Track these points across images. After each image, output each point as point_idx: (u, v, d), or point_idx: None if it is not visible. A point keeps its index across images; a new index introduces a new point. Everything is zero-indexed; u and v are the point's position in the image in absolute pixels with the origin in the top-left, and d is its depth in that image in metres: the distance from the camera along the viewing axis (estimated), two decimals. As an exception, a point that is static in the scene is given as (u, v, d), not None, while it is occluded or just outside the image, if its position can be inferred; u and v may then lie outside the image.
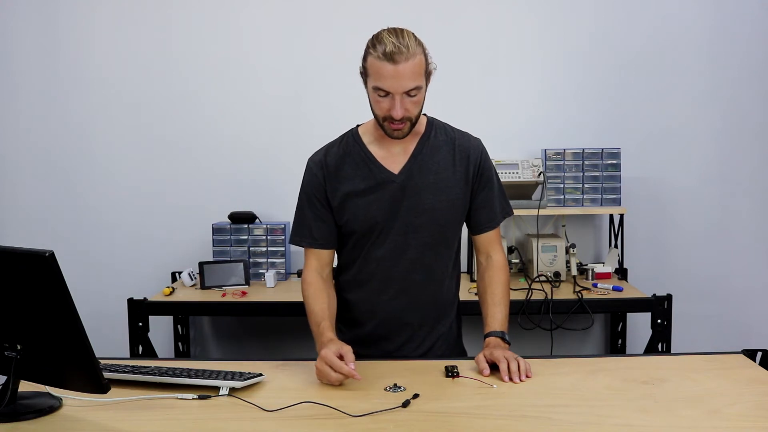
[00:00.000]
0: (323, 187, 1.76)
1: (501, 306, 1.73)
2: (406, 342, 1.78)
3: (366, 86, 1.67)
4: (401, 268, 1.75)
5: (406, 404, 1.36)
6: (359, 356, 1.60)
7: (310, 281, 1.78)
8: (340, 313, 1.82)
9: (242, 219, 3.07)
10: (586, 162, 3.00)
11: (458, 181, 1.74)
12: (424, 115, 1.79)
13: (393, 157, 1.74)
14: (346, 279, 1.83)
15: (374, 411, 1.32)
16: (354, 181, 1.74)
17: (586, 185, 3.00)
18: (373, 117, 1.72)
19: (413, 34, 1.61)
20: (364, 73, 1.65)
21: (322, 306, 1.73)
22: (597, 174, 3.00)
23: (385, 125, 1.65)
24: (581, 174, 3.00)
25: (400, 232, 1.73)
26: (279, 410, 1.34)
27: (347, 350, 1.53)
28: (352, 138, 1.79)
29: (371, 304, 1.79)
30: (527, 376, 1.51)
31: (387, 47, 1.55)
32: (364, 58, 1.64)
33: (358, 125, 1.82)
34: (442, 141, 1.76)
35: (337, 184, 1.75)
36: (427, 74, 1.64)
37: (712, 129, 3.16)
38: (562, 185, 2.99)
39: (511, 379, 1.49)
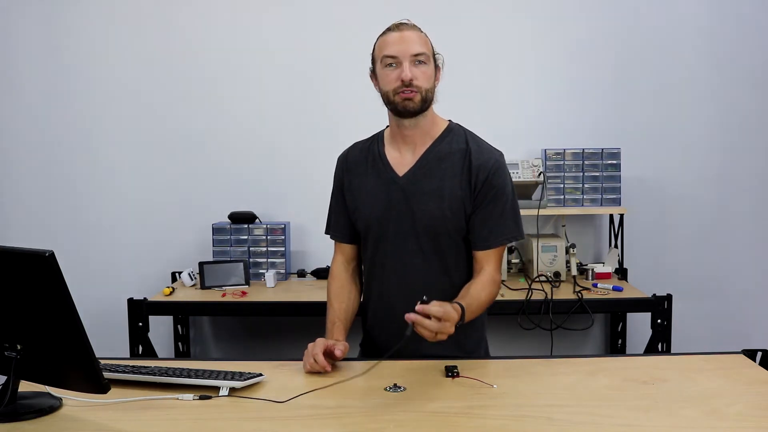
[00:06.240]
0: (342, 180, 1.81)
1: (469, 299, 1.59)
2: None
3: (376, 78, 1.69)
4: (398, 274, 1.73)
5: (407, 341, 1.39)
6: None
7: (335, 275, 1.84)
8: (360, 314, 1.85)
9: (242, 219, 3.07)
10: (586, 162, 3.00)
11: (463, 191, 1.68)
12: (449, 120, 1.78)
13: (402, 159, 1.73)
14: (364, 279, 1.85)
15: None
16: (365, 178, 1.76)
17: (586, 185, 3.00)
18: (388, 119, 1.74)
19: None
20: (373, 64, 1.70)
21: (340, 305, 1.77)
22: (597, 174, 3.00)
23: (396, 100, 1.64)
24: (581, 174, 3.00)
25: (398, 236, 1.72)
26: (285, 401, 1.34)
27: (340, 348, 1.59)
28: (377, 136, 1.81)
29: (375, 308, 1.80)
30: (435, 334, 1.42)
31: (391, 25, 1.67)
32: (372, 51, 1.70)
33: (387, 126, 1.81)
34: (456, 148, 1.71)
35: (352, 178, 1.78)
36: (435, 61, 1.68)
37: (712, 129, 3.16)
38: (562, 185, 3.00)
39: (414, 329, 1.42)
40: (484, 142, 1.75)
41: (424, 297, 1.43)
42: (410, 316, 1.40)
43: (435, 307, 1.42)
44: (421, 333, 1.42)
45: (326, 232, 1.88)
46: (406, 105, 1.64)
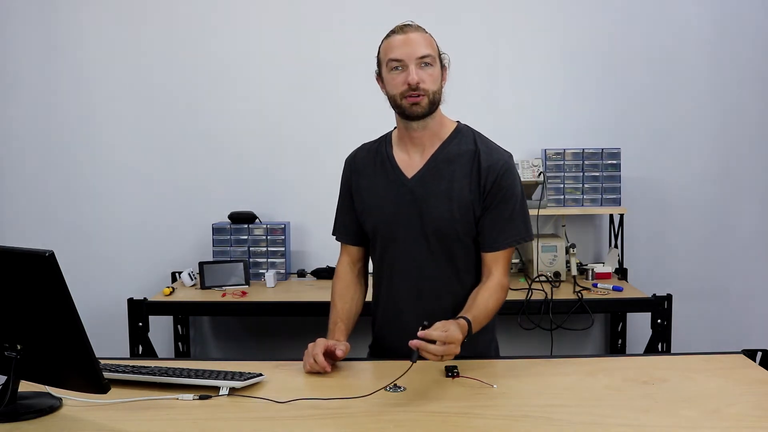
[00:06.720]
0: (350, 182, 1.80)
1: (476, 310, 1.59)
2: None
3: (383, 82, 1.68)
4: (407, 276, 1.72)
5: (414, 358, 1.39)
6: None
7: (340, 275, 1.83)
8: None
9: (242, 219, 3.07)
10: (586, 162, 3.00)
11: (472, 193, 1.67)
12: (457, 121, 1.77)
13: (411, 161, 1.72)
14: (372, 282, 1.84)
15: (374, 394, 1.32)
16: (373, 180, 1.75)
17: (586, 185, 3.00)
18: (396, 121, 1.73)
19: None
20: (379, 67, 1.68)
21: (343, 305, 1.76)
22: (597, 174, 3.00)
23: (404, 104, 1.63)
24: (581, 174, 3.00)
25: (406, 238, 1.71)
26: (285, 402, 1.34)
27: (341, 348, 1.58)
28: (385, 138, 1.80)
29: (384, 311, 1.79)
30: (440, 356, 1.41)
31: (395, 27, 1.65)
32: (377, 53, 1.68)
33: (395, 127, 1.80)
34: (465, 150, 1.69)
35: (360, 179, 1.78)
36: (441, 61, 1.67)
37: (713, 129, 3.16)
38: (562, 185, 3.00)
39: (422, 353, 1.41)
40: (492, 143, 1.74)
41: (425, 322, 1.43)
42: (414, 343, 1.39)
43: (437, 331, 1.41)
44: (426, 357, 1.41)
45: (333, 234, 1.88)
46: (414, 110, 1.63)
